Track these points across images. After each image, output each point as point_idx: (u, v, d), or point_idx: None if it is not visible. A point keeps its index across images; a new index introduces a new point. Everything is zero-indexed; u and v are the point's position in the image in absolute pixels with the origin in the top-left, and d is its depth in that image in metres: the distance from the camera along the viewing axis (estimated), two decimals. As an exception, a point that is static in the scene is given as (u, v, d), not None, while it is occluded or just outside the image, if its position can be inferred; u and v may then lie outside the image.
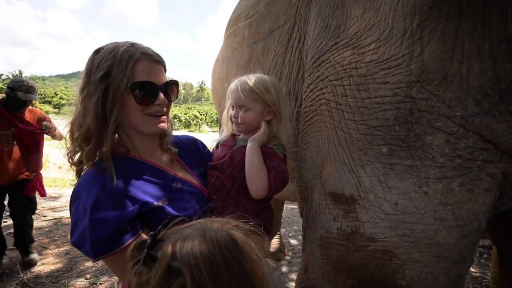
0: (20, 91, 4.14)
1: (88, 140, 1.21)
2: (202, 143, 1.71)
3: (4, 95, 4.21)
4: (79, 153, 1.24)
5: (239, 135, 1.66)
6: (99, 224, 1.06)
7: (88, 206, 1.08)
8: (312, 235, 1.50)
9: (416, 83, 1.18)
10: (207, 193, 1.49)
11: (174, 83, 1.32)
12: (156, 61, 1.25)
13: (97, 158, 1.23)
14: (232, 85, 1.59)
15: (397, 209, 1.25)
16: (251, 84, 1.53)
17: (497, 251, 2.38)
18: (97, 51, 1.24)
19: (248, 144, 1.50)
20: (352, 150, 1.36)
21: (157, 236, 0.71)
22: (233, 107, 1.57)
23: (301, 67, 1.90)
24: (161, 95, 1.26)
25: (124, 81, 1.19)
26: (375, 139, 1.29)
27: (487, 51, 1.07)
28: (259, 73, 1.62)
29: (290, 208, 6.82)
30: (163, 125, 1.31)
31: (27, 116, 4.31)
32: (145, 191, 1.23)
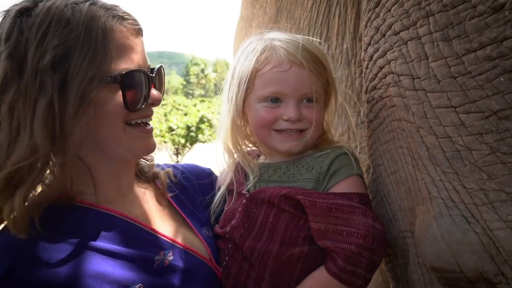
0: None
1: (18, 182, 1.02)
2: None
3: None
4: None
5: (253, 158, 1.40)
6: None
7: None
8: None
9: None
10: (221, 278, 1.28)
11: (162, 69, 1.23)
12: (139, 30, 1.16)
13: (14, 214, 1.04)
14: (273, 54, 1.25)
15: None
16: (311, 48, 1.28)
17: None
18: (25, 11, 1.03)
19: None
20: (461, 171, 1.02)
21: None
22: (275, 100, 1.26)
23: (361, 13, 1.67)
24: (153, 90, 1.16)
25: (101, 70, 1.04)
26: (508, 140, 0.95)
27: None
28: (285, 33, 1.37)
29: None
30: (153, 141, 1.21)
31: None
32: (102, 273, 1.05)
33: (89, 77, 1.03)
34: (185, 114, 20.99)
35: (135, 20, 1.14)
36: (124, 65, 1.10)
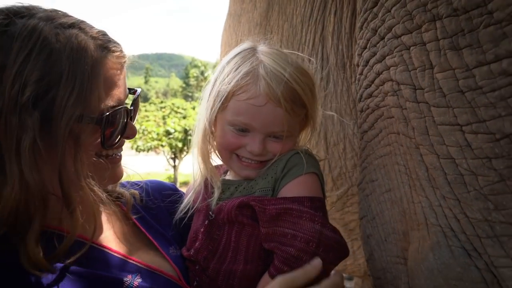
0: None
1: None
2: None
3: None
4: None
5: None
6: None
7: None
8: None
9: None
10: None
11: (139, 95, 1.24)
12: (124, 63, 1.14)
13: None
14: (252, 84, 1.20)
15: None
16: (295, 84, 1.21)
17: None
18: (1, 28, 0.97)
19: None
20: (463, 197, 0.94)
21: None
22: (243, 129, 1.24)
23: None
24: (130, 123, 1.16)
25: (87, 108, 1.02)
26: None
27: None
28: (266, 45, 1.31)
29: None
30: (121, 169, 1.22)
31: None
32: None
33: (77, 115, 0.99)
34: (184, 117, 20.93)
35: (121, 52, 1.11)
36: (109, 102, 1.08)
